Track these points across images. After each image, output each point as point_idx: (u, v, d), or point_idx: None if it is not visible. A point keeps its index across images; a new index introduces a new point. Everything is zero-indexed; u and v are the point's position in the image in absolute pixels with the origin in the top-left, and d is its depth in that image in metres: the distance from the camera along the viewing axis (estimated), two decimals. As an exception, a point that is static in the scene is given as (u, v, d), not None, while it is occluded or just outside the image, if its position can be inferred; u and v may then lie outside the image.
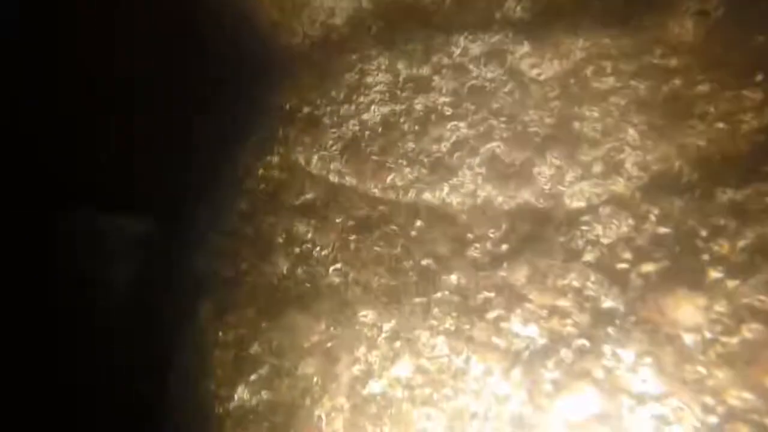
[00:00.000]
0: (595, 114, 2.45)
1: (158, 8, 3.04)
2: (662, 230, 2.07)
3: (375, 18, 3.12)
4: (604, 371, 1.71)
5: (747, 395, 1.56)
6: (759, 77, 2.36)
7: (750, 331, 1.68)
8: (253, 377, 2.33)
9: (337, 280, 2.37)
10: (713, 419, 1.55)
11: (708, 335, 1.73)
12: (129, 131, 2.92)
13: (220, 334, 2.50)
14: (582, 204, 2.27)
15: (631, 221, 2.15)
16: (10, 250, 2.46)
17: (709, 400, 1.59)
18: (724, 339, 1.70)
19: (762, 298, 1.75)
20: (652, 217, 2.12)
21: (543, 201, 2.32)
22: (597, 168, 2.34)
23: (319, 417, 2.02)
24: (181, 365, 2.50)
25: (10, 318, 2.32)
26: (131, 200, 2.87)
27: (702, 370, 1.65)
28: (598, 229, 2.16)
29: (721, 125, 2.36)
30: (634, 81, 2.50)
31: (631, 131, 2.40)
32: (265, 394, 2.23)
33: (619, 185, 2.28)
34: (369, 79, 2.92)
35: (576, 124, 2.45)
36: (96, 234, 2.88)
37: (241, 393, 2.31)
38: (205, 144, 3.04)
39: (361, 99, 2.89)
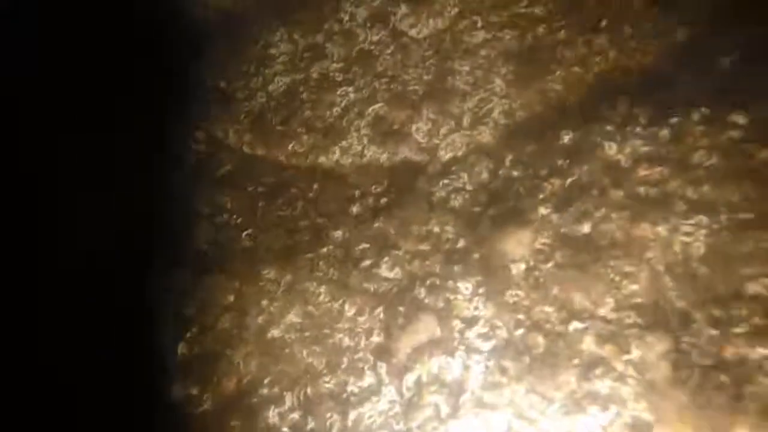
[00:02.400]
0: (467, 68, 2.64)
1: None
2: (514, 173, 2.32)
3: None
4: (445, 302, 2.03)
5: (548, 309, 1.88)
6: (604, 23, 2.53)
7: (562, 257, 1.98)
8: (188, 334, 2.71)
9: (248, 243, 2.69)
10: (520, 331, 1.87)
11: (531, 263, 2.03)
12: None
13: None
14: (454, 154, 2.52)
15: (491, 167, 2.40)
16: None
17: (521, 316, 1.91)
18: (541, 266, 2.00)
19: (575, 227, 2.03)
20: (508, 162, 2.37)
21: (420, 155, 2.56)
22: (467, 119, 2.56)
23: (237, 363, 2.39)
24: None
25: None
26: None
27: (520, 293, 1.96)
28: (465, 177, 2.41)
29: (576, 69, 2.54)
30: (502, 32, 2.67)
31: (499, 81, 2.59)
32: (196, 348, 2.61)
33: (485, 135, 2.51)
34: (272, 51, 3.09)
35: (450, 79, 2.65)
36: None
37: (182, 349, 2.69)
38: (134, 125, 3.27)
39: (267, 71, 3.08)
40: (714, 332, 1.76)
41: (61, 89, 3.10)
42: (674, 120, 2.26)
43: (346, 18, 2.91)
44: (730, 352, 1.71)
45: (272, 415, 2.11)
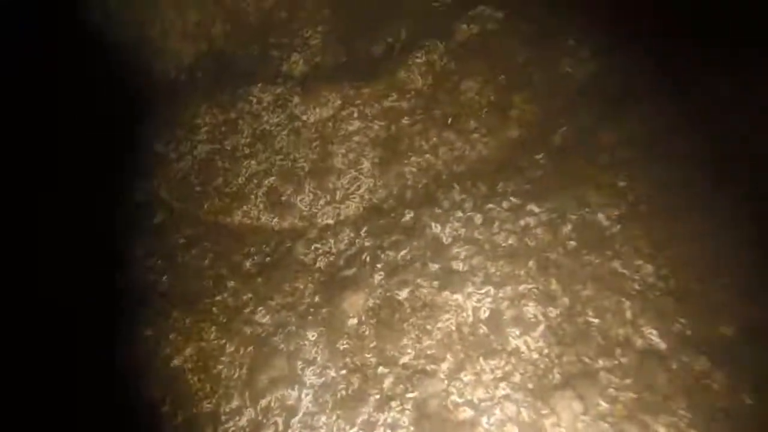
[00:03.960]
0: (343, 150, 3.29)
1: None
2: (366, 243, 2.96)
3: (203, 68, 3.89)
4: (295, 346, 2.66)
5: (366, 355, 2.53)
6: (450, 120, 3.18)
7: (383, 315, 2.63)
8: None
9: (165, 287, 3.31)
10: (343, 372, 2.52)
11: (362, 319, 2.67)
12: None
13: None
14: (327, 223, 3.16)
15: (351, 235, 3.05)
16: None
17: (347, 360, 2.55)
18: (368, 322, 2.64)
19: (397, 292, 2.69)
20: (362, 233, 3.02)
21: (302, 222, 3.20)
22: (339, 194, 3.20)
23: (146, 385, 3.03)
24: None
25: None
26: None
27: (350, 342, 2.61)
28: (331, 243, 3.06)
29: (428, 156, 3.19)
30: (373, 122, 3.32)
31: (367, 163, 3.24)
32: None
33: (351, 208, 3.15)
34: (198, 121, 3.73)
35: (329, 159, 3.29)
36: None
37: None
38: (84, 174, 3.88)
39: (195, 137, 3.71)
40: (472, 378, 2.42)
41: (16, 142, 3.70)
42: (488, 207, 2.92)
43: (255, 101, 3.55)
44: (478, 395, 2.37)
45: (165, 428, 2.75)
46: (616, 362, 2.46)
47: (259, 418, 2.55)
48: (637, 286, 2.66)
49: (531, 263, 2.73)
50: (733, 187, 2.84)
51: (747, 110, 3.07)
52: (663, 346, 2.48)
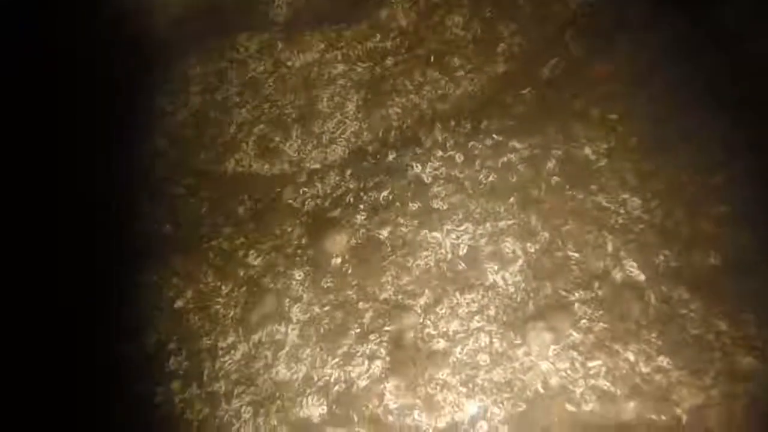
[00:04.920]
0: (328, 94, 3.28)
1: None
2: (350, 185, 3.01)
3: (192, 19, 3.88)
4: (282, 285, 2.78)
5: (348, 292, 2.64)
6: (434, 58, 3.11)
7: (365, 254, 2.71)
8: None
9: (169, 232, 3.49)
10: (327, 308, 2.65)
11: (345, 257, 2.76)
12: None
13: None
14: (314, 167, 3.21)
15: (337, 179, 3.09)
16: None
17: (330, 297, 2.66)
18: (350, 260, 2.74)
19: (378, 231, 2.75)
20: (347, 175, 3.05)
21: (291, 168, 3.26)
22: (326, 138, 3.23)
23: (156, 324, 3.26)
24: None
25: None
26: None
27: (333, 280, 2.71)
28: (319, 187, 3.12)
29: (412, 96, 3.15)
30: (357, 64, 3.27)
31: (351, 106, 3.23)
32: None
33: (338, 151, 3.18)
34: (190, 72, 3.77)
35: (315, 104, 3.29)
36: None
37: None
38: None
39: (188, 89, 3.77)
40: (448, 311, 2.50)
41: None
42: (470, 144, 2.89)
43: (242, 49, 3.55)
44: (453, 327, 2.46)
45: (172, 362, 2.97)
46: (593, 294, 2.48)
47: (252, 352, 2.72)
48: (621, 220, 2.63)
49: (512, 200, 2.73)
50: (727, 117, 2.72)
51: (750, 42, 2.88)
52: (642, 277, 2.49)
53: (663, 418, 2.20)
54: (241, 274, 2.98)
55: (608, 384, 2.26)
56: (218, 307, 2.96)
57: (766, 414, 2.14)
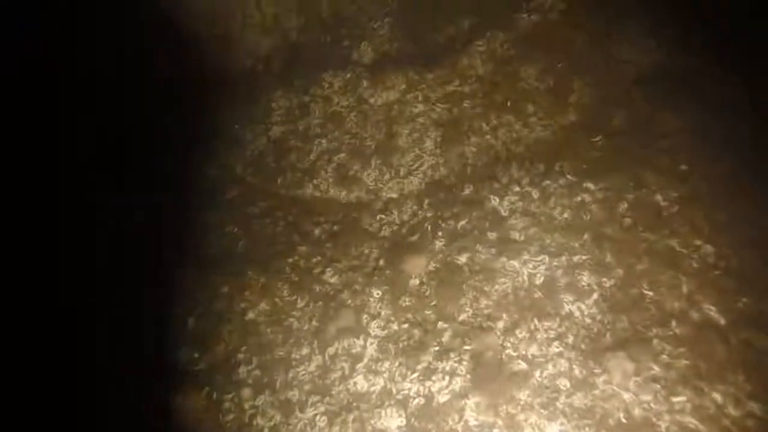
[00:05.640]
0: (407, 131, 3.53)
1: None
2: (428, 214, 3.18)
3: (279, 58, 4.24)
4: (361, 302, 2.90)
5: (427, 312, 2.74)
6: (509, 103, 3.36)
7: (443, 277, 2.83)
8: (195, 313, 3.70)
9: (241, 250, 3.64)
10: (405, 326, 2.74)
11: (423, 280, 2.89)
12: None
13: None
14: (391, 196, 3.40)
15: (414, 207, 3.27)
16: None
17: (408, 316, 2.76)
18: (429, 282, 2.85)
19: (457, 257, 2.89)
20: (425, 205, 3.23)
21: (368, 195, 3.46)
22: (403, 170, 3.44)
23: (226, 335, 3.35)
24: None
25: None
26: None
27: (412, 299, 2.82)
28: (395, 214, 3.29)
29: (487, 137, 3.38)
30: (436, 105, 3.54)
31: (429, 143, 3.46)
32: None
33: (414, 183, 3.38)
34: (273, 105, 4.07)
35: (394, 139, 3.54)
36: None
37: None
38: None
39: (269, 120, 4.06)
40: (527, 335, 2.58)
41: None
42: (545, 183, 3.08)
43: (326, 86, 3.86)
44: (532, 351, 2.53)
45: (242, 371, 3.04)
46: (671, 332, 2.54)
47: (327, 363, 2.80)
48: (695, 264, 2.73)
49: (586, 236, 2.87)
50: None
51: None
52: (722, 321, 2.54)
53: (751, 460, 2.21)
54: (318, 290, 3.11)
55: (695, 422, 2.29)
56: (292, 320, 3.06)
57: None
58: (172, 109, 4.21)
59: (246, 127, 4.11)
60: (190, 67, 4.42)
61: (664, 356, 2.46)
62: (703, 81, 3.27)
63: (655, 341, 2.51)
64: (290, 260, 3.32)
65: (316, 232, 3.40)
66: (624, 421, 2.34)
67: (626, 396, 2.38)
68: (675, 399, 2.34)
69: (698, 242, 2.77)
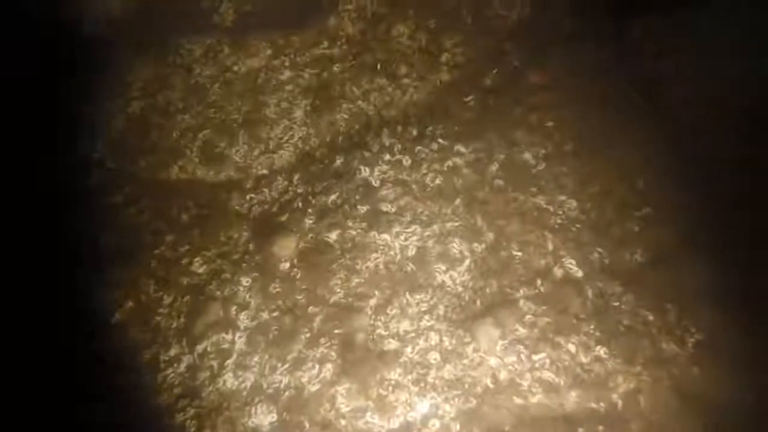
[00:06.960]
0: (275, 100, 3.26)
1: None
2: (298, 190, 2.99)
3: (131, 22, 3.76)
4: (229, 292, 2.72)
5: (297, 297, 2.62)
6: (378, 66, 3.18)
7: (313, 257, 2.70)
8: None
9: (104, 245, 3.31)
10: (275, 314, 2.61)
11: (294, 262, 2.74)
12: None
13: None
14: (262, 173, 3.17)
15: (285, 184, 3.06)
16: None
17: (279, 302, 2.62)
18: (298, 265, 2.72)
19: (327, 234, 2.75)
20: (295, 180, 3.04)
21: (236, 173, 3.21)
22: (273, 144, 3.20)
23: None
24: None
25: None
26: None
27: (282, 285, 2.68)
28: (266, 192, 3.07)
29: (359, 103, 3.20)
30: (304, 70, 3.29)
31: (299, 112, 3.23)
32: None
33: (285, 157, 3.16)
34: (129, 78, 3.63)
35: (262, 110, 3.27)
36: None
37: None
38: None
39: (126, 94, 3.62)
40: (398, 312, 2.52)
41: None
42: (417, 149, 2.96)
43: (186, 53, 3.47)
44: (403, 327, 2.48)
45: (113, 379, 2.79)
46: (536, 291, 2.58)
47: (197, 362, 2.62)
48: (559, 221, 2.76)
49: (458, 201, 2.81)
50: (656, 125, 2.95)
51: (679, 52, 3.15)
52: (579, 274, 2.61)
53: (602, 405, 2.30)
54: (185, 282, 2.87)
55: (552, 375, 2.35)
56: (159, 318, 2.83)
57: (686, 394, 2.30)
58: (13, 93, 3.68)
59: (100, 105, 3.66)
60: (27, 40, 3.84)
61: (529, 316, 2.49)
62: (573, 35, 3.24)
63: (522, 302, 2.54)
64: (156, 252, 3.04)
65: (184, 217, 3.12)
66: (491, 386, 2.36)
67: (493, 361, 2.40)
68: (536, 357, 2.39)
69: (562, 197, 2.79)
